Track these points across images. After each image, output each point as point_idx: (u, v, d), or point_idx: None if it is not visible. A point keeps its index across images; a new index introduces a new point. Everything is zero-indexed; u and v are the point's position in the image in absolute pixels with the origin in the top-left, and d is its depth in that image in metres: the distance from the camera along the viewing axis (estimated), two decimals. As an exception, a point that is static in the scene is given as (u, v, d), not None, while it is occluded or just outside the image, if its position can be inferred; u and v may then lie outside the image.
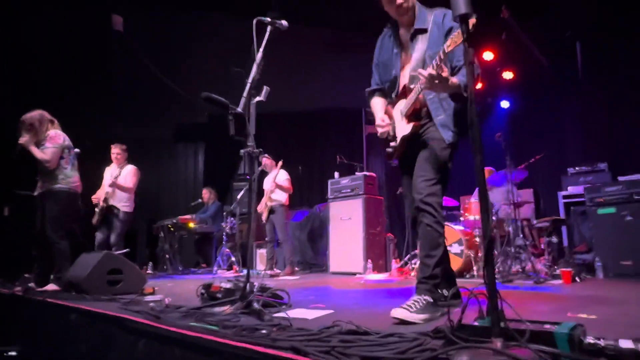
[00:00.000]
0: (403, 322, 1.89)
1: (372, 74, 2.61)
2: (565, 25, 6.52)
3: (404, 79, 2.36)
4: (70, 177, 4.03)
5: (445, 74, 1.94)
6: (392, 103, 2.45)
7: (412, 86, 2.24)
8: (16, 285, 4.13)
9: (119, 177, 5.32)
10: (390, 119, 2.44)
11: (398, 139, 2.36)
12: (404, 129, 2.32)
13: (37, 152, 3.86)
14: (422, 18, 2.27)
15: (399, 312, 1.93)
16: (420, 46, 2.27)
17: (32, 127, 3.95)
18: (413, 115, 2.29)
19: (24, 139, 3.87)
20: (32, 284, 3.88)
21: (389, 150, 2.43)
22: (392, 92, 2.46)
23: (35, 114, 4.04)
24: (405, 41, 2.37)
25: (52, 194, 3.92)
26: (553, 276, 4.21)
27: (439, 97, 2.25)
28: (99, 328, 2.24)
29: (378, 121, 2.44)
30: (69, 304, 2.69)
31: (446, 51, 1.88)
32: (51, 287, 3.74)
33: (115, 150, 5.53)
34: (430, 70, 1.94)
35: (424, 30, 2.26)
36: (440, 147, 2.23)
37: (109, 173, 5.47)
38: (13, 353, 1.60)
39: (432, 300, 2.04)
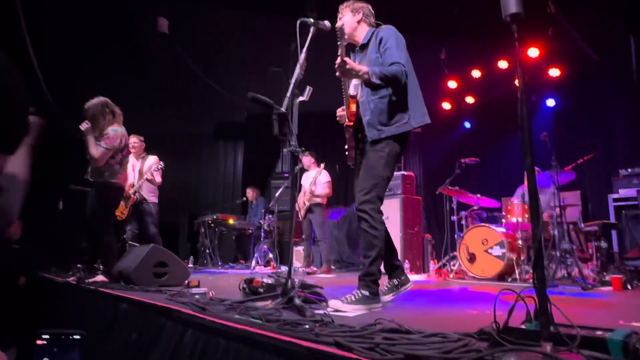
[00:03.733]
0: (336, 311, 2.20)
1: None
2: (618, 17, 6.19)
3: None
4: (116, 174, 4.06)
5: (349, 65, 2.36)
6: None
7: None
8: (70, 275, 4.39)
9: (144, 168, 5.25)
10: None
11: (348, 143, 2.73)
12: (347, 130, 2.70)
13: (92, 145, 3.90)
14: (367, 36, 2.73)
15: (333, 303, 2.30)
16: (362, 56, 2.71)
17: (95, 117, 4.00)
18: (352, 117, 2.65)
19: (85, 126, 3.92)
20: (83, 274, 4.10)
21: (346, 152, 2.78)
22: None
23: (96, 102, 4.05)
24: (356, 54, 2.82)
25: (96, 189, 4.04)
26: (602, 282, 4.02)
27: (367, 101, 2.57)
28: (148, 317, 2.36)
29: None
30: (120, 294, 2.84)
31: (336, 26, 2.46)
32: (100, 278, 3.94)
33: (133, 140, 5.30)
34: (337, 60, 2.34)
35: (366, 45, 2.71)
36: (374, 151, 2.53)
37: (130, 165, 5.20)
38: (77, 337, 1.72)
39: (367, 294, 2.36)
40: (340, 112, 2.76)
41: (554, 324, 1.12)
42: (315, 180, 6.17)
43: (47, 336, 1.71)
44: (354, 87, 2.70)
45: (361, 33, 2.75)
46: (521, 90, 1.17)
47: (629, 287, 3.79)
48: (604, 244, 4.57)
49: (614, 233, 5.29)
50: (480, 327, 1.42)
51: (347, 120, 2.65)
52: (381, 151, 2.50)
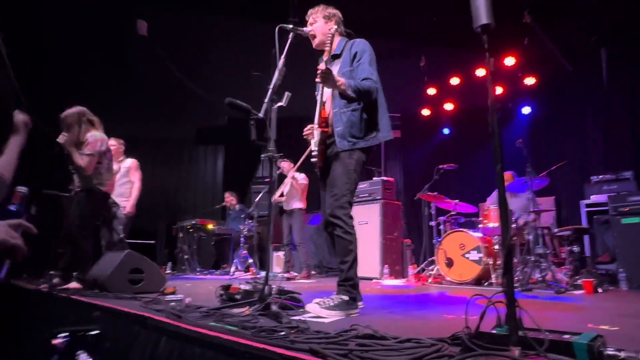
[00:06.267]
0: (315, 316, 2.21)
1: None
2: (591, 30, 6.40)
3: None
4: (105, 181, 4.05)
5: (333, 75, 2.39)
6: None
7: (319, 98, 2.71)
8: (41, 282, 4.26)
9: (119, 173, 5.10)
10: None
11: (317, 148, 2.71)
12: (317, 136, 2.69)
13: (76, 157, 3.86)
14: (340, 47, 2.76)
15: (310, 307, 2.28)
16: (335, 67, 2.70)
17: (71, 126, 3.93)
18: (323, 123, 2.66)
19: (63, 138, 3.86)
20: (56, 281, 3.99)
21: (313, 160, 2.74)
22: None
23: (74, 111, 3.99)
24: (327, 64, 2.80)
25: (85, 194, 3.98)
26: (574, 286, 4.12)
27: (340, 112, 2.61)
28: (122, 325, 2.30)
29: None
30: (93, 301, 2.77)
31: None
32: (73, 285, 3.84)
33: (111, 142, 5.04)
34: (322, 66, 2.38)
35: (339, 55, 2.74)
36: (344, 160, 2.57)
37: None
38: (95, 332, 1.67)
39: (347, 299, 2.37)
40: (307, 130, 2.79)
41: (522, 328, 1.15)
42: (291, 178, 6.17)
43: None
44: (322, 94, 2.73)
45: (333, 41, 2.76)
46: (491, 99, 1.20)
47: (600, 290, 3.90)
48: (576, 249, 4.69)
49: (586, 238, 5.45)
50: (453, 332, 1.44)
51: (318, 126, 2.67)
52: (351, 159, 2.57)
